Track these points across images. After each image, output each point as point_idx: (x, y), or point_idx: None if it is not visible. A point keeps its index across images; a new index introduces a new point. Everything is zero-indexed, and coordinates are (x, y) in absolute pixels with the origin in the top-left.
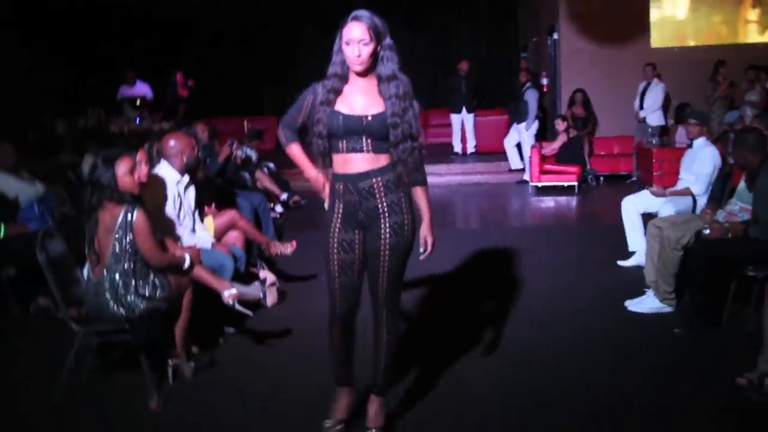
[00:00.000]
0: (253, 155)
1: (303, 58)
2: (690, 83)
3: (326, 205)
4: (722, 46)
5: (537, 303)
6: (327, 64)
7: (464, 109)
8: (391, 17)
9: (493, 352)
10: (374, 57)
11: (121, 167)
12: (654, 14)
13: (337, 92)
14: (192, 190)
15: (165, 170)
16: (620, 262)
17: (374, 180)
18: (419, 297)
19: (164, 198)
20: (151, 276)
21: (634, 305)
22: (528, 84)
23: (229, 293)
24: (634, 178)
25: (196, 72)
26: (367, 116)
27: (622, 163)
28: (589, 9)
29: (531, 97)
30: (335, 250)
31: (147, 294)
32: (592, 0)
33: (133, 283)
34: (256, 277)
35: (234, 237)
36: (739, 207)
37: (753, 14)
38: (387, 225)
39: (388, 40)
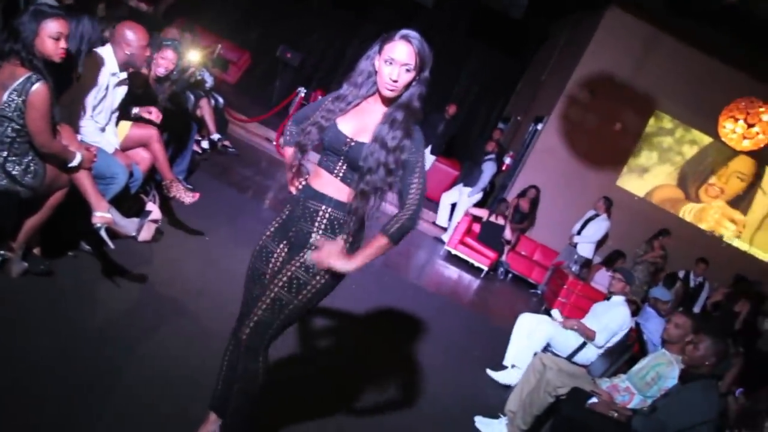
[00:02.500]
0: (209, 82)
1: (306, 21)
2: (631, 235)
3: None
4: (680, 220)
5: (383, 369)
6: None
7: (430, 149)
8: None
9: None
10: (406, 87)
11: (50, 27)
12: (637, 158)
13: (343, 110)
14: (123, 89)
15: (107, 54)
16: (489, 372)
17: (323, 207)
18: None
19: (92, 82)
20: (29, 157)
21: (482, 424)
22: (491, 156)
23: (102, 216)
24: (538, 292)
25: None
26: (351, 141)
27: (536, 271)
28: (582, 121)
29: (488, 169)
30: (253, 254)
31: (14, 173)
32: (590, 117)
33: (5, 155)
34: (142, 205)
35: (141, 157)
36: (626, 386)
37: (729, 213)
38: (304, 257)
39: (426, 73)
